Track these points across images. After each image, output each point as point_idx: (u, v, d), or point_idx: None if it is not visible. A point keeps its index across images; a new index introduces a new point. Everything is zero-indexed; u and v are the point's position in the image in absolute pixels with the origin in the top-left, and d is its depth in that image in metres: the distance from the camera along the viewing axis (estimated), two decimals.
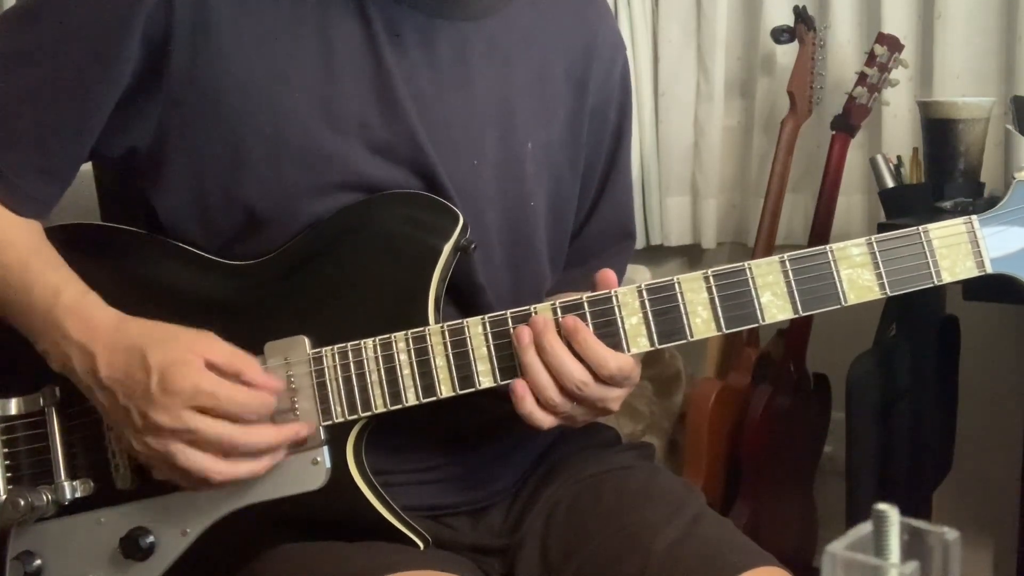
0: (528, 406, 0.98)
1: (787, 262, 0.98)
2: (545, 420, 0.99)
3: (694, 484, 2.04)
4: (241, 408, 0.96)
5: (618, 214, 1.27)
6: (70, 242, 1.07)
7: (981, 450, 2.16)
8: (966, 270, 0.97)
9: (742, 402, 2.17)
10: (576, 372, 0.97)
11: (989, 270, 0.97)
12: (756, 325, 0.98)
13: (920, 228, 0.98)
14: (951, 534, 0.58)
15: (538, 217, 1.15)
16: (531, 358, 0.97)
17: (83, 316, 0.99)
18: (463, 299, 1.08)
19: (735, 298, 0.98)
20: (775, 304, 0.98)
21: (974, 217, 0.98)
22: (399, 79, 1.04)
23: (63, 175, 1.06)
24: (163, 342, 0.97)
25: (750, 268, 0.98)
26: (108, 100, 1.02)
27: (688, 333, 0.98)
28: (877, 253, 0.97)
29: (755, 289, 0.98)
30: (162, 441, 0.96)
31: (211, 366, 0.96)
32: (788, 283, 0.98)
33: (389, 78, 1.04)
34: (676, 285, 0.98)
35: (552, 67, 1.16)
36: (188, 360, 0.96)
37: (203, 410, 0.95)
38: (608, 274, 1.00)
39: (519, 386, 0.97)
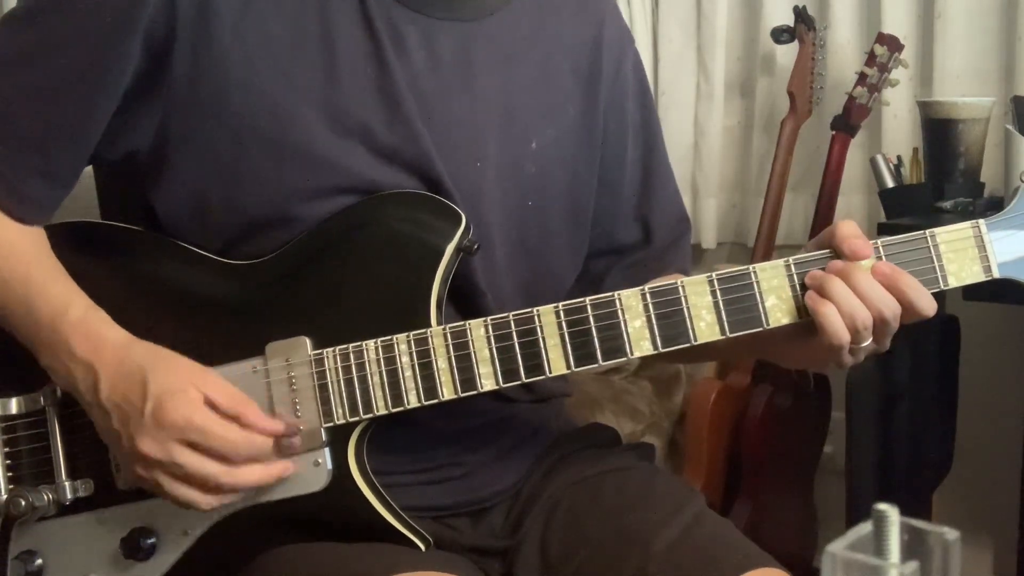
0: (844, 336, 0.94)
1: (792, 266, 0.97)
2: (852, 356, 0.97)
3: (694, 484, 2.05)
4: (230, 449, 0.96)
5: (675, 203, 1.28)
6: (71, 241, 1.07)
7: (981, 450, 2.16)
8: (973, 275, 0.97)
9: (742, 402, 2.17)
10: (892, 302, 0.94)
11: (996, 275, 0.97)
12: (761, 329, 0.97)
13: (927, 232, 0.97)
14: (951, 534, 0.58)
15: (546, 218, 1.14)
16: (842, 290, 0.94)
17: (90, 334, 0.99)
18: (464, 302, 1.07)
19: (740, 302, 0.97)
20: (780, 308, 0.97)
21: (981, 221, 0.97)
22: (402, 81, 1.04)
23: (65, 178, 1.06)
24: (166, 370, 0.97)
25: (755, 271, 0.97)
26: (110, 102, 1.02)
27: (692, 337, 0.97)
28: (884, 257, 0.96)
29: (760, 293, 0.97)
30: (149, 471, 0.96)
31: (210, 404, 0.96)
32: (793, 287, 0.97)
33: (392, 80, 1.04)
34: (680, 288, 0.97)
35: (557, 64, 1.15)
36: (186, 391, 0.96)
37: (192, 445, 0.95)
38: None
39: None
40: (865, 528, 0.58)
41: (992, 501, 2.13)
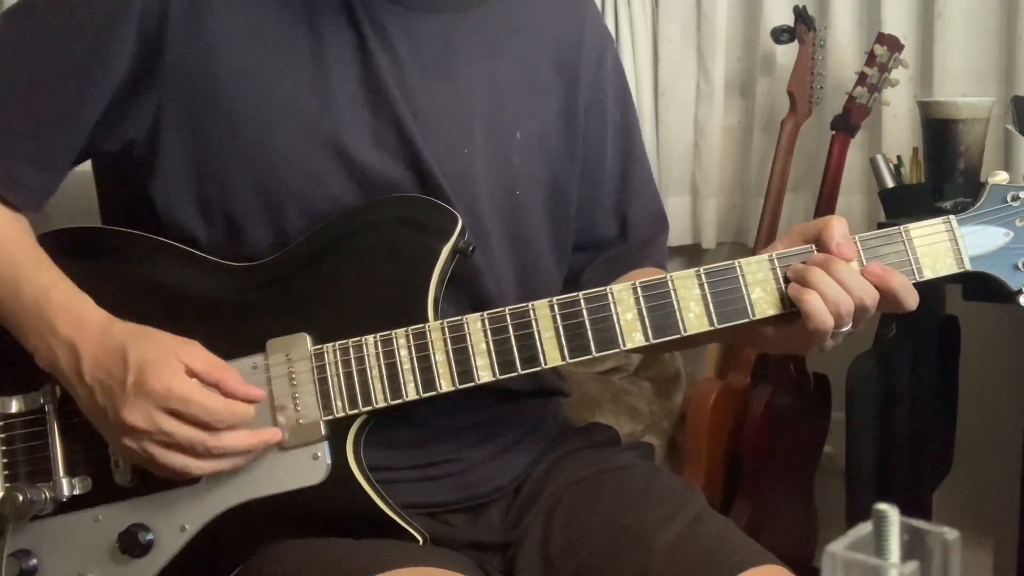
0: (828, 322, 0.97)
1: (775, 260, 1.01)
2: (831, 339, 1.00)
3: (694, 484, 2.05)
4: (212, 416, 0.97)
5: (653, 201, 1.30)
6: (74, 245, 1.08)
7: (981, 450, 2.16)
8: (946, 267, 1.02)
9: (742, 402, 2.17)
10: (872, 291, 0.98)
11: (968, 267, 1.02)
12: (748, 320, 1.01)
13: (901, 227, 1.02)
14: (951, 534, 0.58)
15: (531, 209, 1.16)
16: (824, 279, 0.97)
17: (73, 314, 1.00)
18: (469, 284, 1.08)
19: (726, 294, 1.01)
20: (765, 300, 1.01)
21: (952, 217, 1.02)
22: (385, 71, 1.06)
23: (58, 165, 1.07)
24: (146, 342, 0.98)
25: (740, 265, 1.01)
26: (104, 90, 1.03)
27: (681, 328, 1.00)
28: (861, 251, 1.01)
29: (745, 286, 1.01)
30: (139, 442, 0.97)
31: (192, 373, 0.98)
32: (777, 280, 1.01)
33: (375, 70, 1.06)
34: (669, 282, 1.01)
35: (540, 58, 1.17)
36: (166, 360, 0.97)
37: (175, 413, 0.96)
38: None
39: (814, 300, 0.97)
40: (865, 528, 0.58)
41: (992, 501, 2.13)
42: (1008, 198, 1.02)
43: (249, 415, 0.99)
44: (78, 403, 1.01)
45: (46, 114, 1.04)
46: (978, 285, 1.03)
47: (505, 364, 1.00)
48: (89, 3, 1.03)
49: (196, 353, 0.99)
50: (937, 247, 1.01)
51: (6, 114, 1.05)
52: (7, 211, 1.06)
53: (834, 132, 2.12)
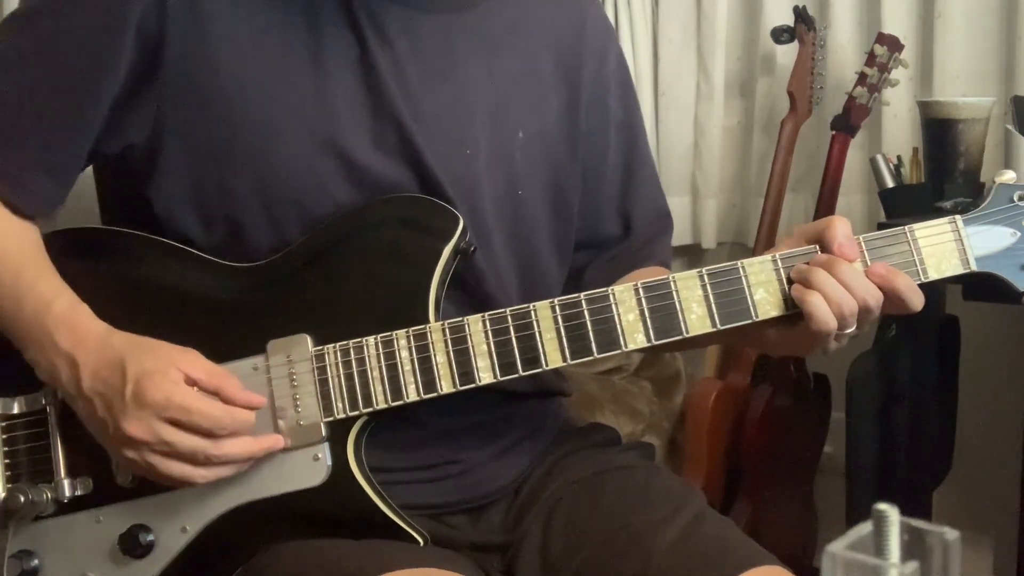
0: (831, 323, 0.97)
1: (778, 260, 1.00)
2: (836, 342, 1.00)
3: (694, 484, 2.05)
4: (213, 424, 0.97)
5: (657, 200, 1.29)
6: (75, 246, 1.09)
7: (981, 450, 2.15)
8: (951, 267, 1.01)
9: (742, 402, 2.17)
10: (876, 292, 0.98)
11: (973, 268, 1.01)
12: (750, 321, 1.00)
13: (906, 227, 1.01)
14: (951, 534, 0.58)
15: (533, 208, 1.16)
16: (828, 280, 0.97)
17: (72, 326, 1.00)
18: (471, 287, 1.08)
19: (729, 295, 1.00)
20: (768, 301, 1.00)
21: (958, 217, 1.01)
22: (385, 72, 1.06)
23: (67, 171, 1.08)
24: (144, 353, 0.98)
25: (743, 266, 1.00)
26: (107, 95, 1.03)
27: (683, 329, 1.00)
28: (865, 252, 1.00)
29: (748, 287, 1.00)
30: (139, 453, 0.97)
31: (191, 382, 0.97)
32: (780, 280, 1.00)
33: (375, 71, 1.06)
34: (671, 283, 1.00)
35: (541, 57, 1.17)
36: (165, 371, 0.97)
37: (176, 422, 0.96)
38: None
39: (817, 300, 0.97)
40: (865, 528, 0.58)
41: (992, 501, 2.13)
42: (1015, 198, 1.01)
43: (250, 422, 0.99)
44: (81, 417, 1.01)
45: (52, 122, 1.05)
46: (979, 285, 1.02)
47: (506, 365, 1.00)
48: (88, 11, 1.03)
49: (195, 361, 0.99)
50: (942, 247, 1.00)
51: (12, 123, 1.05)
52: (17, 220, 1.06)
53: (834, 132, 2.12)
